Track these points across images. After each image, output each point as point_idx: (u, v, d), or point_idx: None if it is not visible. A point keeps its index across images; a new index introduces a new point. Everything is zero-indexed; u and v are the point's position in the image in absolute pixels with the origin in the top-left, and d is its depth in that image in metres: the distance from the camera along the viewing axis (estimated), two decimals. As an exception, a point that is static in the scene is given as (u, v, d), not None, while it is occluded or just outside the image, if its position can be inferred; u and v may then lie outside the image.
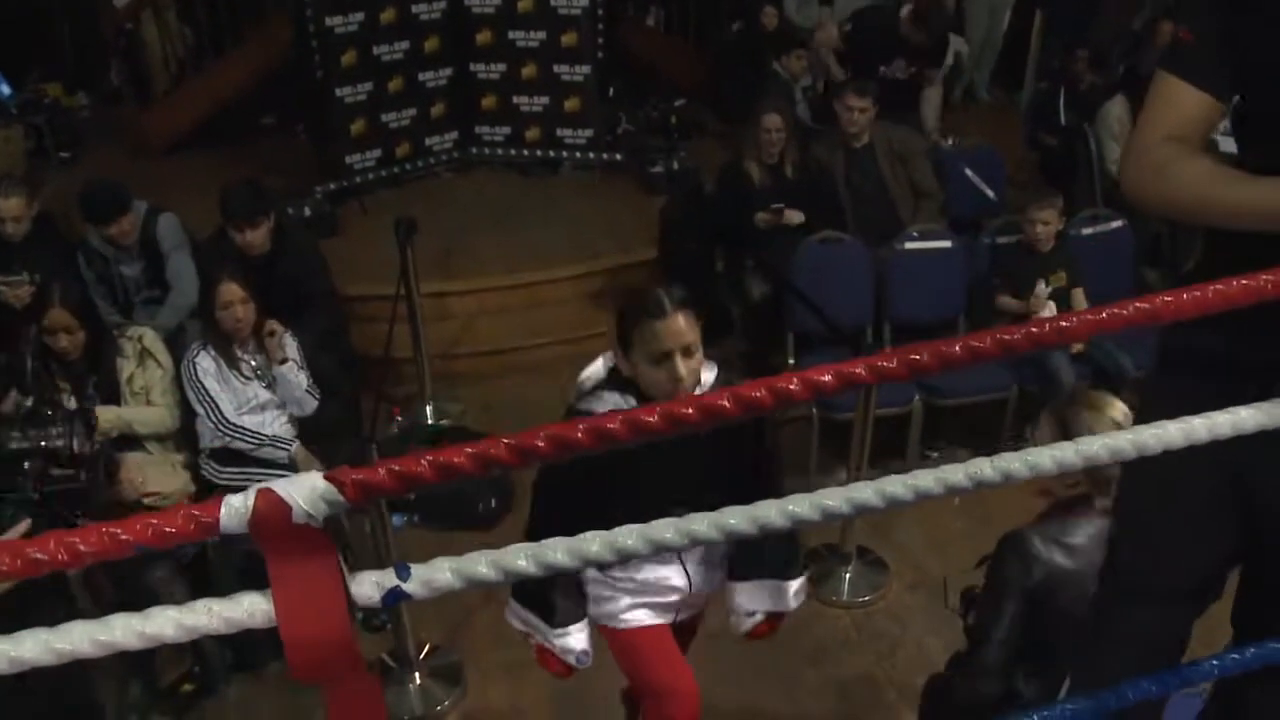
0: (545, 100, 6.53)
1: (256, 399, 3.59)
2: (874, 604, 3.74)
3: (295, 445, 3.60)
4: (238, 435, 3.52)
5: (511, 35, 6.40)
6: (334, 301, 4.52)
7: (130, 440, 3.46)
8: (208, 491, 3.47)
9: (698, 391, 2.24)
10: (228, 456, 3.55)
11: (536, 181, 6.56)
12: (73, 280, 3.97)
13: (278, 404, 3.63)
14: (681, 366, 2.16)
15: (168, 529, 0.82)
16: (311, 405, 3.65)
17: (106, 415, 3.32)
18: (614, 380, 2.31)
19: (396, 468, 0.86)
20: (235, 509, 0.81)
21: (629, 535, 0.97)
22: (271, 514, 0.82)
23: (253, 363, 3.59)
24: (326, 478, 0.84)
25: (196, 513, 0.82)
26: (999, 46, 8.35)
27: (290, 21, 6.08)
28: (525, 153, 6.68)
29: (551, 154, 6.63)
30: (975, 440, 4.42)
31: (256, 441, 3.53)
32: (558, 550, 0.94)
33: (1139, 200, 1.55)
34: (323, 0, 5.71)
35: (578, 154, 6.59)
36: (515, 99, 6.57)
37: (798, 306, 4.44)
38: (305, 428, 3.69)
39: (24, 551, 0.80)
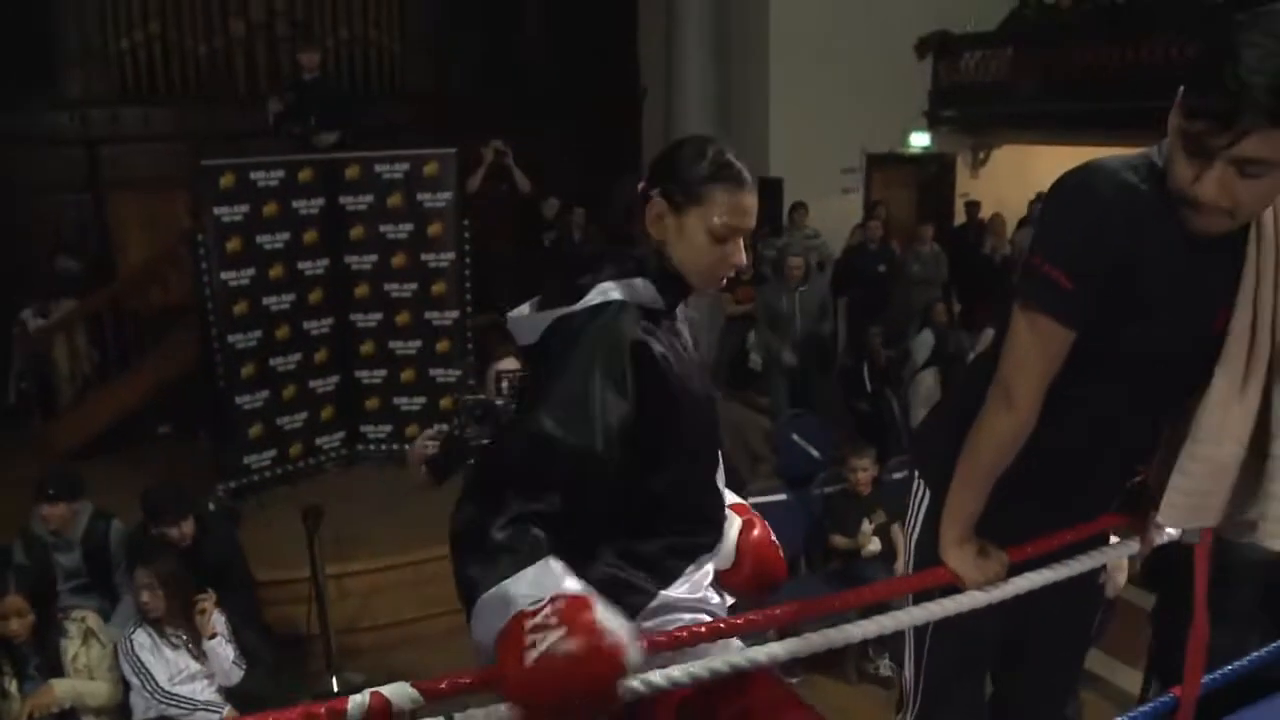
0: (423, 400, 7.32)
1: (188, 669, 3.99)
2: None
3: (226, 709, 4.00)
4: (171, 703, 3.91)
5: (391, 345, 7.25)
6: (250, 582, 5.00)
7: (73, 714, 3.82)
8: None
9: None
10: (161, 726, 3.92)
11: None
12: (21, 568, 4.33)
13: (207, 674, 4.04)
14: (743, 253, 1.87)
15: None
16: (238, 676, 4.08)
17: (62, 687, 3.73)
18: (635, 266, 1.80)
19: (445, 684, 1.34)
20: (358, 703, 1.29)
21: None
22: (380, 708, 1.30)
23: (184, 637, 4.02)
24: (414, 685, 1.32)
25: (329, 705, 1.28)
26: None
27: (194, 340, 6.79)
28: (405, 446, 7.33)
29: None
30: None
31: (189, 707, 3.93)
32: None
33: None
34: (225, 320, 6.46)
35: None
36: (395, 399, 7.35)
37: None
38: (232, 695, 4.09)
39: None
